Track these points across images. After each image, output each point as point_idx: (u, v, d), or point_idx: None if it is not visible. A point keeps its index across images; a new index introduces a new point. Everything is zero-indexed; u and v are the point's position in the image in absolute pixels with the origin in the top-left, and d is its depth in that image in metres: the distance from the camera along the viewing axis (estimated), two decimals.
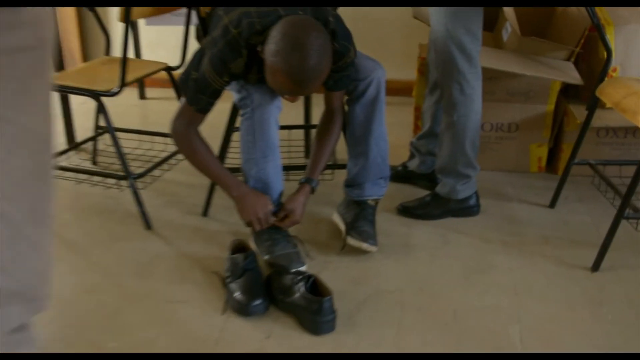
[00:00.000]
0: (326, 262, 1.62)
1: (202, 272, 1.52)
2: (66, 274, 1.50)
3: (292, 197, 1.64)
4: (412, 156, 2.08)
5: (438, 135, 1.86)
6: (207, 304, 1.41)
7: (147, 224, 1.71)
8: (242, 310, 1.41)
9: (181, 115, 1.52)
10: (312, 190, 1.66)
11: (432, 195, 1.86)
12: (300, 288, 1.40)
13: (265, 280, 1.51)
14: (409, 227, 1.77)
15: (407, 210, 1.87)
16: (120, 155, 1.70)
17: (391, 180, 1.77)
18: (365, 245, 1.66)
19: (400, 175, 2.07)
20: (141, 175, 1.78)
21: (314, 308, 1.35)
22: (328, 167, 1.79)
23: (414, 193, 1.93)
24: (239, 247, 1.60)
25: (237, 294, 1.44)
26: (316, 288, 1.42)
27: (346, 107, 1.69)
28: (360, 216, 1.73)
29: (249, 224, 1.60)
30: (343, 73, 1.55)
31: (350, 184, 1.76)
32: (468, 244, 1.67)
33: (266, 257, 1.60)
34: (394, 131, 1.86)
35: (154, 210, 1.77)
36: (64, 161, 1.97)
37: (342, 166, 1.75)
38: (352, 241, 1.67)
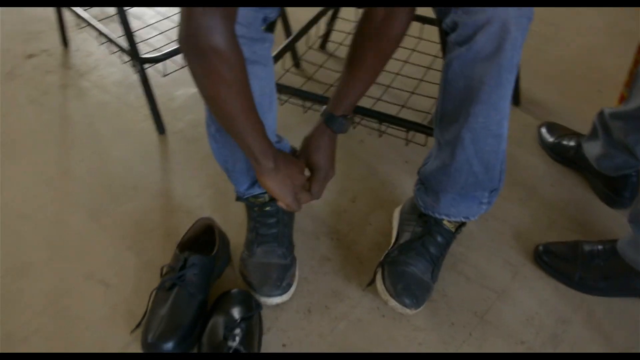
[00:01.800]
0: (337, 295, 1.22)
1: None
2: None
3: (311, 143, 1.14)
4: (593, 135, 1.38)
5: None
6: None
7: None
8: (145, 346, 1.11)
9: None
10: (335, 132, 1.13)
11: (607, 250, 1.19)
12: (235, 339, 1.07)
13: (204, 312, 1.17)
14: (531, 293, 1.23)
15: (550, 261, 1.25)
16: None
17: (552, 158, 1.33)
18: (394, 304, 1.16)
19: (565, 156, 1.48)
20: None
21: None
22: None
23: (577, 205, 1.39)
24: (200, 238, 1.26)
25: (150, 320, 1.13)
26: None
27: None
28: (417, 245, 1.21)
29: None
30: None
31: (423, 182, 1.23)
32: None
33: (240, 261, 1.26)
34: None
35: None
36: None
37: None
38: (380, 285, 1.19)
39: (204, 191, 1.49)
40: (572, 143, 1.48)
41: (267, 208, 1.26)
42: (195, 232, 1.28)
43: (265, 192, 1.25)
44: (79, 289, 1.28)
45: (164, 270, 1.21)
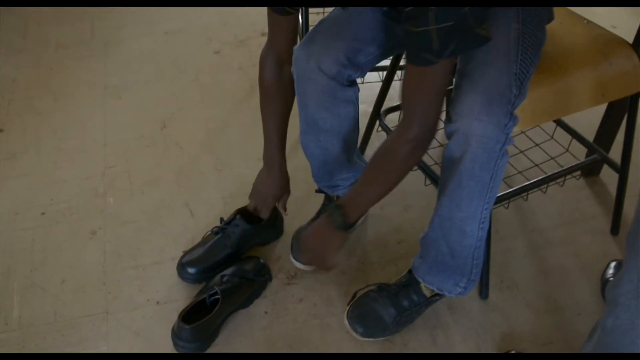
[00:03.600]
0: (328, 300, 1.50)
1: None
2: None
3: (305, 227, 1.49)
4: None
5: None
6: None
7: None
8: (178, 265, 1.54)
9: None
10: (332, 222, 1.24)
11: None
12: (220, 286, 1.41)
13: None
14: None
15: None
16: None
17: None
18: (346, 324, 1.42)
19: None
20: None
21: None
22: None
23: None
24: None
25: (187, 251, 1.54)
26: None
27: None
28: (392, 291, 1.41)
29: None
30: (412, 25, 0.96)
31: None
32: None
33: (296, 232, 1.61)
34: None
35: None
36: None
37: None
38: (348, 306, 1.45)
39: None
40: None
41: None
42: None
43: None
44: (177, 209, 1.75)
45: (221, 221, 1.61)
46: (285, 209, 1.61)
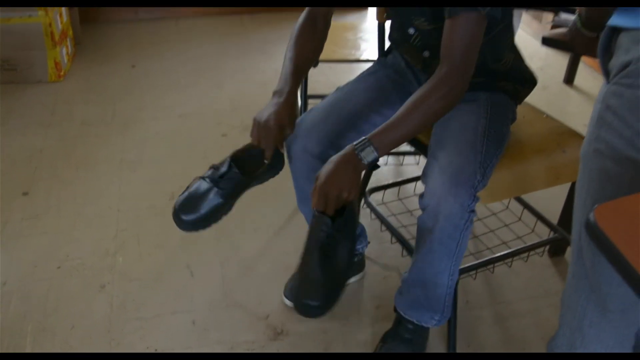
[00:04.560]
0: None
1: None
2: None
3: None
4: None
5: None
6: None
7: None
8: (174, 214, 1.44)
9: None
10: (358, 159, 1.25)
11: None
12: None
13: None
14: None
15: None
16: None
17: None
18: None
19: None
20: None
21: None
22: None
23: None
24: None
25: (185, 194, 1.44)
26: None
27: None
28: (391, 335, 1.62)
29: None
30: None
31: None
32: None
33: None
34: None
35: None
36: None
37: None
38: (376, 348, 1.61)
39: None
40: None
41: None
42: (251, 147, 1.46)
43: None
44: (179, 270, 1.94)
45: (213, 166, 1.49)
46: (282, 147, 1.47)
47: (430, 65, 1.51)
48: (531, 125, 1.72)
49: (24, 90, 2.93)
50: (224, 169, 1.43)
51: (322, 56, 2.01)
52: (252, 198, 1.61)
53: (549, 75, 3.24)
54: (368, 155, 1.26)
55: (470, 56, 1.30)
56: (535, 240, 1.87)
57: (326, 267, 1.30)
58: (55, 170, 2.39)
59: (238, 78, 3.16)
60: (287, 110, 1.38)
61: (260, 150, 1.40)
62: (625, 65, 0.91)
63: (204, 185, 1.45)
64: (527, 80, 1.59)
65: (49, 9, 2.87)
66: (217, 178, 1.44)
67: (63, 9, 3.09)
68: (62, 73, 3.04)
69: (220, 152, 2.52)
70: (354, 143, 1.27)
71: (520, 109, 1.72)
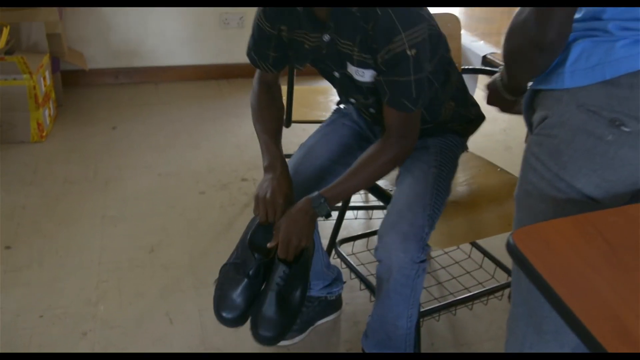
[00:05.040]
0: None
1: None
2: None
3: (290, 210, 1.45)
4: None
5: None
6: None
7: None
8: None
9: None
10: (314, 211, 1.42)
11: None
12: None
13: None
14: None
15: None
16: None
17: None
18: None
19: None
20: None
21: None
22: None
23: None
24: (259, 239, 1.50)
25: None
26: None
27: None
28: None
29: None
30: (392, 74, 1.36)
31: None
32: None
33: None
34: None
35: None
36: None
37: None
38: None
39: None
40: None
41: None
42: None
43: None
44: (159, 318, 2.02)
45: (233, 262, 1.53)
46: None
47: (378, 119, 1.61)
48: (486, 177, 1.88)
49: (7, 150, 3.03)
50: (251, 269, 1.48)
51: (294, 117, 2.20)
52: (229, 249, 1.73)
53: (512, 136, 3.45)
54: (321, 207, 1.43)
55: (412, 128, 1.48)
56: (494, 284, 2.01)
57: (281, 307, 1.46)
58: (38, 226, 2.48)
59: (214, 140, 3.31)
60: (287, 182, 1.49)
61: (270, 226, 1.48)
62: (544, 119, 1.08)
63: (237, 279, 1.50)
64: (472, 121, 1.74)
65: (34, 72, 3.01)
66: (250, 278, 1.49)
67: (47, 73, 3.24)
68: (44, 134, 3.16)
69: (199, 209, 2.66)
70: (309, 196, 1.44)
71: (476, 163, 1.89)
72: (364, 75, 1.44)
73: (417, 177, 1.56)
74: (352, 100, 1.65)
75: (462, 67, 2.11)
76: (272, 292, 1.46)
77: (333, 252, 2.15)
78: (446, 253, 2.27)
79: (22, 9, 3.23)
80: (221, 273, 1.55)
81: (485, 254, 2.13)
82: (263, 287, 1.50)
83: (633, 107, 0.98)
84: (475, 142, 1.92)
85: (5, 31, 3.08)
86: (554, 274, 0.84)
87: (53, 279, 2.18)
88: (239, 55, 3.86)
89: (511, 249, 0.85)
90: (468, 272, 2.12)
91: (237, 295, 1.47)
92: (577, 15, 1.04)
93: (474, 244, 2.17)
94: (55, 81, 3.48)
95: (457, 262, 2.20)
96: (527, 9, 1.04)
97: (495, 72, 1.72)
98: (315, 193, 1.44)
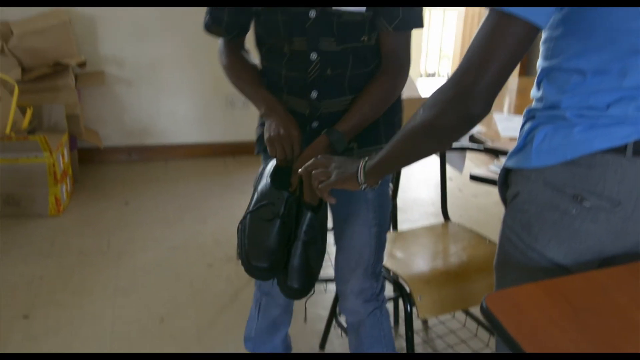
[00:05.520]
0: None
1: None
2: None
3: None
4: None
5: None
6: None
7: None
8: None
9: None
10: (332, 145, 1.39)
11: None
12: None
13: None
14: None
15: None
16: None
17: None
18: None
19: None
20: None
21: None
22: None
23: None
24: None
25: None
26: None
27: None
28: None
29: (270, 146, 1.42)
30: None
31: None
32: None
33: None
34: None
35: None
36: None
37: None
38: None
39: None
40: None
41: None
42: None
43: None
44: None
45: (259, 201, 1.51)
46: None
47: (318, 108, 1.49)
48: (476, 249, 2.02)
49: (26, 223, 3.20)
50: (282, 206, 1.41)
51: None
52: (238, 327, 1.85)
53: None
54: (339, 141, 1.39)
55: (409, 53, 1.46)
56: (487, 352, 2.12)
57: (309, 257, 1.42)
58: (54, 296, 2.61)
59: (221, 214, 3.47)
60: (294, 120, 1.44)
61: (288, 168, 1.44)
62: (516, 195, 1.23)
63: (267, 223, 1.43)
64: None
65: (54, 150, 3.21)
66: (282, 217, 1.42)
67: (65, 151, 3.44)
68: (61, 208, 3.33)
69: (206, 281, 2.79)
70: (324, 132, 1.41)
71: (467, 235, 2.04)
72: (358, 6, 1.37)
73: (358, 238, 1.63)
74: (314, 55, 1.44)
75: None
76: (298, 242, 1.41)
77: (334, 322, 2.26)
78: (442, 323, 2.38)
79: (43, 91, 3.46)
80: (242, 225, 1.47)
81: (479, 323, 2.25)
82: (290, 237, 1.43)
83: (592, 184, 1.13)
84: (470, 216, 2.08)
85: (29, 112, 3.30)
86: (523, 334, 0.97)
87: (68, 348, 2.29)
88: (245, 133, 4.10)
89: (484, 311, 0.99)
90: (463, 341, 2.23)
91: (272, 239, 1.39)
92: (538, 105, 1.21)
93: (468, 313, 2.29)
94: (72, 158, 3.68)
95: (452, 332, 2.31)
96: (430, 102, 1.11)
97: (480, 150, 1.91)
98: (329, 128, 1.40)
